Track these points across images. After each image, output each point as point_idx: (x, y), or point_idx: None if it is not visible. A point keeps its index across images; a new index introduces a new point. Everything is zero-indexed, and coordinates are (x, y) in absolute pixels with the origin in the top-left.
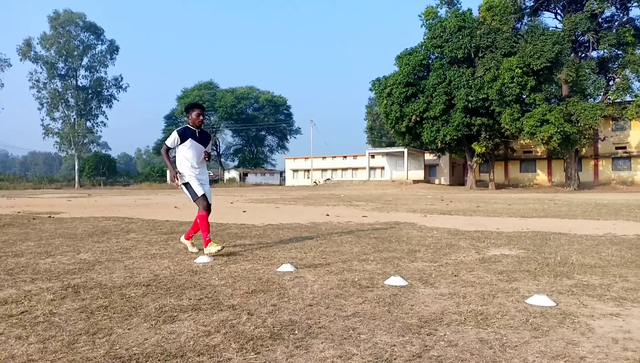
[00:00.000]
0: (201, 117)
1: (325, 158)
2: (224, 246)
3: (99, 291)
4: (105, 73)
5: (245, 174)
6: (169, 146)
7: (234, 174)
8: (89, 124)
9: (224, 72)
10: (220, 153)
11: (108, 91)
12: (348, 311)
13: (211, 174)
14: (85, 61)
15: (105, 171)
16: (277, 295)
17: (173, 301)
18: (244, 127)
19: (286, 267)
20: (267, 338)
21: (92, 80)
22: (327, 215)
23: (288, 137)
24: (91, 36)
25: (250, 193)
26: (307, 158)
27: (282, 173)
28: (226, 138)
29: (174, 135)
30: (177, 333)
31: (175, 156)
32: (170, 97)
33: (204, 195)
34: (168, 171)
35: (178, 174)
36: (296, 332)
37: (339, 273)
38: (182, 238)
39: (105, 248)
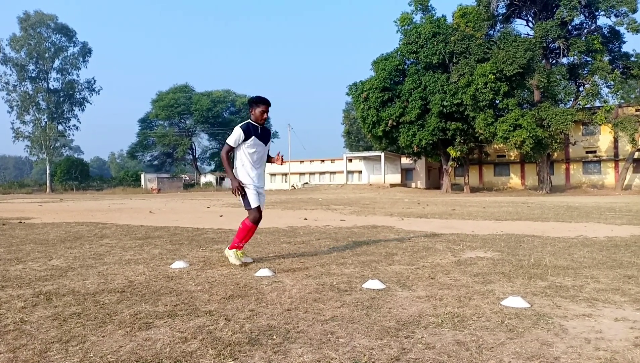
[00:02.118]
0: (265, 115)
1: (303, 161)
2: (242, 264)
3: (71, 298)
4: (78, 76)
5: (222, 179)
6: (232, 145)
7: (210, 178)
8: (60, 127)
9: (199, 76)
10: (196, 156)
11: (80, 93)
12: (326, 315)
13: (187, 178)
14: (56, 63)
15: (78, 175)
16: (254, 300)
17: (148, 308)
18: (220, 131)
19: (264, 272)
20: (244, 344)
21: (64, 83)
22: (305, 219)
23: None
24: (63, 38)
25: (227, 197)
26: (285, 162)
27: None
28: (202, 141)
29: (238, 132)
30: (152, 340)
31: (234, 157)
32: (144, 100)
33: (258, 208)
34: (228, 179)
35: (240, 186)
36: (274, 337)
37: (317, 277)
38: (226, 250)
39: (78, 254)
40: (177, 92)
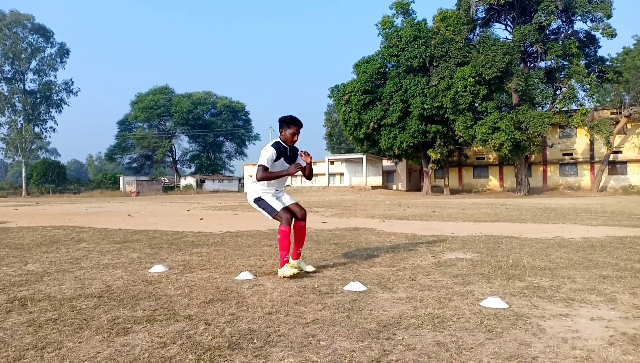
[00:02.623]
0: (296, 138)
1: None
2: (299, 272)
3: (47, 303)
4: (55, 77)
5: (203, 181)
6: (268, 165)
7: (190, 181)
8: (37, 129)
9: (180, 77)
10: (176, 159)
11: (58, 95)
12: (308, 318)
13: (166, 181)
14: (33, 64)
15: (55, 178)
16: (235, 303)
17: (127, 313)
18: (201, 133)
19: (245, 275)
20: (225, 348)
21: (41, 84)
22: None
23: (247, 143)
24: (40, 38)
25: (208, 200)
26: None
27: (240, 180)
28: (182, 143)
29: (270, 151)
30: (131, 346)
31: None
32: (123, 102)
33: (285, 208)
34: (288, 174)
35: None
36: (255, 340)
37: (299, 280)
38: (291, 263)
39: (55, 258)
40: (156, 93)
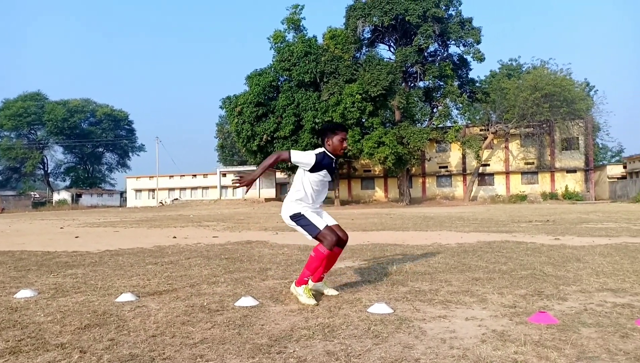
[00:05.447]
0: (345, 145)
1: (172, 176)
2: (317, 304)
3: None
4: None
5: (79, 196)
6: (292, 160)
7: (64, 195)
8: None
9: (54, 83)
10: (49, 171)
11: None
12: (196, 338)
13: (36, 195)
14: None
15: None
16: (115, 328)
17: None
18: (77, 143)
19: (126, 297)
20: None
21: None
22: (174, 237)
23: (130, 154)
24: None
25: (85, 216)
26: (152, 177)
27: (122, 194)
28: (56, 155)
29: (309, 159)
30: None
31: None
32: None
33: (329, 227)
34: (253, 176)
35: (244, 179)
36: None
37: (187, 298)
38: (293, 287)
39: None
40: (26, 100)
